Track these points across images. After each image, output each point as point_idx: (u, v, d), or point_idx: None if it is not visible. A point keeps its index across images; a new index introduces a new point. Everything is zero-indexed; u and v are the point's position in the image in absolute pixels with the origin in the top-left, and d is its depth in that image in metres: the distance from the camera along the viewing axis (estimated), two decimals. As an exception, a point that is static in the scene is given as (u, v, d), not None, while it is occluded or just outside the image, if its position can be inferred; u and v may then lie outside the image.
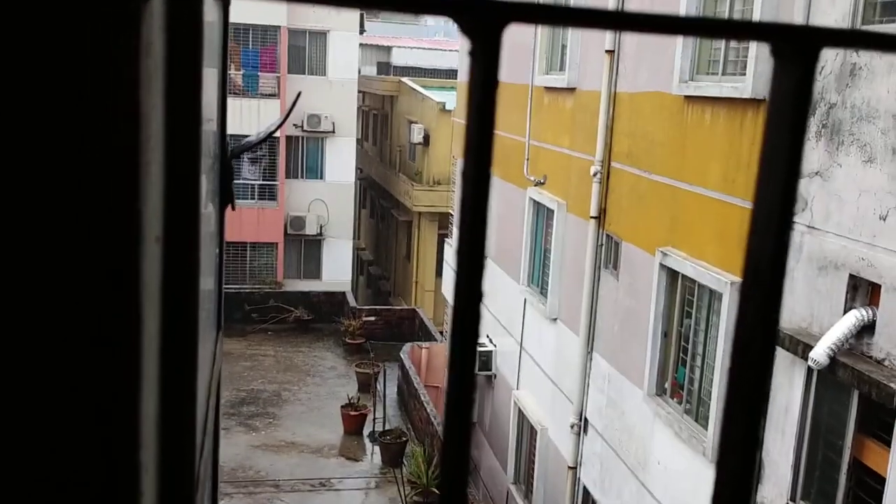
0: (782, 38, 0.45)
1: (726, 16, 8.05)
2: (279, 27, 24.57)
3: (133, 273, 0.56)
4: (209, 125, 1.54)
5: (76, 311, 0.55)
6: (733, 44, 8.00)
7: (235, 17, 23.70)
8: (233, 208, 1.88)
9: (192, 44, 0.85)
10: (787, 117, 0.44)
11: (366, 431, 17.04)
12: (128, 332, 0.57)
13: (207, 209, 1.52)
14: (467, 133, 0.40)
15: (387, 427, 16.58)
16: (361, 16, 26.38)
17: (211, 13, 1.55)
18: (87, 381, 0.56)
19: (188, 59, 0.85)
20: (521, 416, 13.04)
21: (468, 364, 0.42)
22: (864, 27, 6.20)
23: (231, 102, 26.49)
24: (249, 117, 23.54)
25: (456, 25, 0.40)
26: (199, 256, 0.98)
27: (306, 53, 25.53)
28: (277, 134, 24.10)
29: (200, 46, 0.91)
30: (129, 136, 0.54)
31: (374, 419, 16.85)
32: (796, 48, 0.45)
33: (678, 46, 8.55)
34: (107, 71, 0.52)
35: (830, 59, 6.37)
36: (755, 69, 7.27)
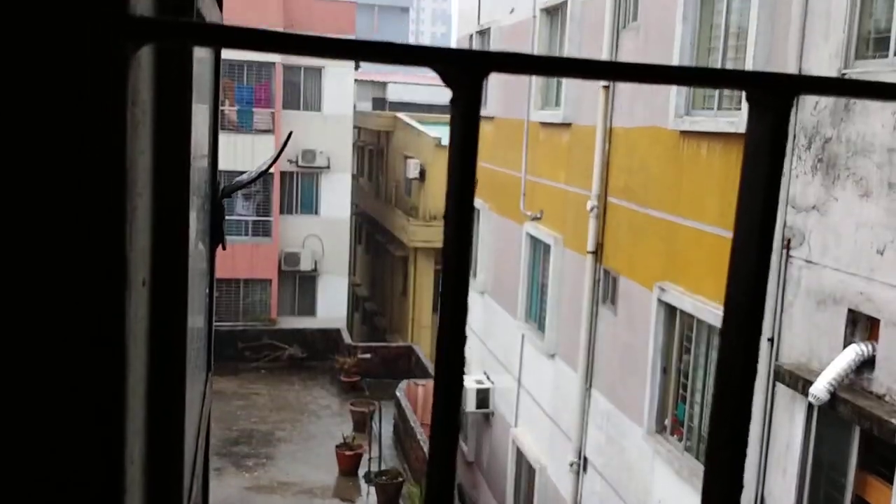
0: (756, 85, 0.46)
1: (721, 50, 8.09)
2: (274, 63, 24.74)
3: (117, 316, 0.56)
4: (201, 163, 1.52)
5: (60, 349, 0.56)
6: (727, 79, 8.03)
7: (230, 53, 23.87)
8: (223, 248, 1.85)
9: (180, 90, 0.88)
10: (763, 163, 0.46)
11: (361, 472, 16.81)
12: (111, 375, 0.57)
13: (198, 248, 1.49)
14: (449, 177, 0.42)
15: (383, 467, 16.35)
16: (357, 53, 26.56)
17: (202, 51, 1.53)
18: (71, 422, 0.56)
19: (177, 106, 0.88)
20: (520, 454, 12.87)
21: (453, 409, 0.43)
22: (858, 62, 6.22)
23: (225, 138, 26.39)
24: (244, 153, 23.58)
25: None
26: (187, 299, 0.98)
27: (301, 89, 25.68)
28: (272, 170, 24.13)
29: (189, 93, 0.94)
30: (115, 182, 0.55)
31: (369, 459, 16.63)
32: (770, 96, 0.46)
33: (673, 82, 8.58)
34: (93, 120, 0.53)
35: (825, 94, 6.37)
36: (750, 104, 7.28)
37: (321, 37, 0.41)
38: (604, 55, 10.08)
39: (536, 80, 12.48)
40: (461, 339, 0.43)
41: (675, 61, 8.55)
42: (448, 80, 0.41)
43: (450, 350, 0.42)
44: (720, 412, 0.47)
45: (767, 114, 0.46)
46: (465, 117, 0.40)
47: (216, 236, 1.84)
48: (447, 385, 0.42)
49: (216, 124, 1.91)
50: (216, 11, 1.62)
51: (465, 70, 0.41)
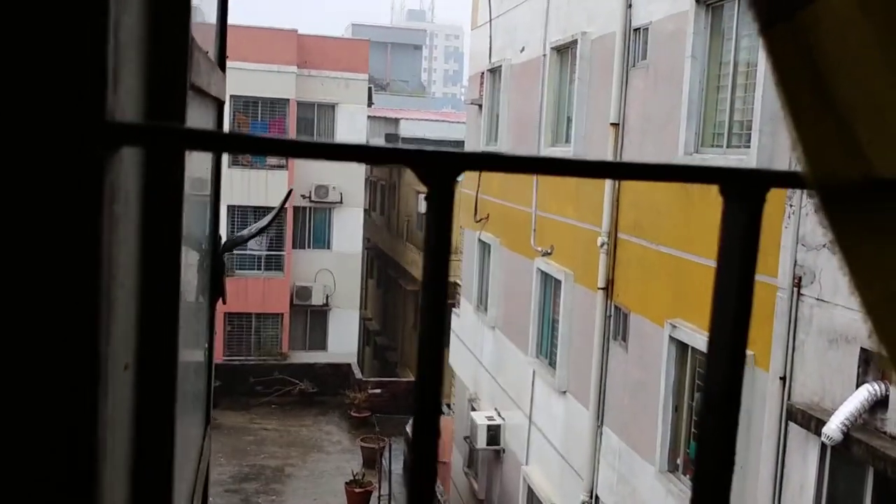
0: (729, 181, 0.48)
1: (730, 88, 8.14)
2: (288, 100, 25.03)
3: (89, 404, 0.55)
4: (200, 220, 1.54)
5: (33, 442, 0.54)
6: (737, 116, 8.08)
7: (245, 90, 24.19)
8: (224, 302, 1.87)
9: (171, 189, 0.89)
10: (737, 255, 0.47)
11: (371, 508, 16.68)
12: (84, 465, 0.55)
13: (198, 303, 1.50)
14: (424, 270, 0.43)
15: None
16: (370, 89, 26.88)
17: (207, 117, 1.56)
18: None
19: (167, 201, 0.87)
20: (531, 492, 12.75)
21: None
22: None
23: (240, 174, 26.40)
24: (258, 188, 23.80)
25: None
26: (174, 379, 0.96)
27: (315, 125, 25.94)
28: (285, 205, 24.31)
29: (181, 190, 0.93)
30: (87, 279, 0.53)
31: (379, 496, 16.50)
32: (743, 190, 0.47)
33: (682, 119, 8.64)
34: (67, 223, 0.52)
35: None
36: (759, 141, 7.31)
37: (299, 141, 0.43)
38: (613, 94, 10.16)
39: (547, 117, 12.58)
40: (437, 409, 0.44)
41: (684, 99, 8.61)
42: (423, 178, 0.42)
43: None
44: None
45: (741, 207, 0.47)
46: (439, 213, 0.42)
47: (216, 291, 1.85)
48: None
49: (218, 183, 1.93)
50: (216, 75, 1.63)
51: (438, 169, 0.42)
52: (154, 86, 0.78)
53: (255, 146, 0.44)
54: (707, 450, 0.47)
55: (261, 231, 2.71)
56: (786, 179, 0.50)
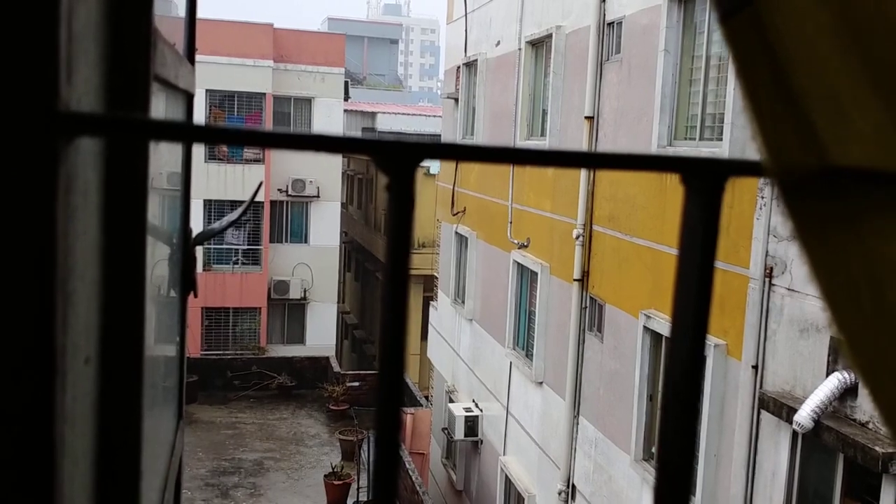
0: (689, 170, 0.47)
1: (702, 81, 8.23)
2: (264, 94, 24.89)
3: (45, 397, 0.54)
4: (170, 213, 1.53)
5: None
6: (710, 109, 8.17)
7: (221, 84, 24.00)
8: (195, 296, 1.87)
9: (133, 180, 0.85)
10: (698, 244, 0.47)
11: (350, 501, 16.69)
12: (40, 458, 0.54)
13: (169, 295, 1.50)
14: (386, 260, 0.44)
15: (371, 497, 16.24)
16: (346, 83, 26.79)
17: (174, 110, 1.55)
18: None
19: (130, 193, 0.84)
20: (509, 482, 12.83)
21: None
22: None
23: (216, 168, 26.13)
24: (234, 182, 23.66)
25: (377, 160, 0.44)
26: (141, 373, 0.94)
27: (291, 119, 25.81)
28: (261, 198, 24.22)
29: (144, 182, 0.90)
30: (41, 270, 0.52)
31: (358, 488, 16.53)
32: (704, 179, 0.47)
33: (656, 112, 8.72)
34: (17, 210, 0.51)
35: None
36: (732, 134, 7.41)
37: (257, 130, 0.43)
38: (588, 87, 10.23)
39: (522, 110, 12.63)
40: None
41: (657, 93, 8.69)
42: (383, 168, 0.43)
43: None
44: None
45: (702, 196, 0.47)
46: (398, 202, 0.42)
47: (187, 284, 1.83)
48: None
49: (189, 176, 1.92)
50: (184, 67, 1.59)
51: (397, 158, 0.43)
52: (115, 77, 0.77)
53: (213, 136, 0.44)
54: (668, 433, 0.47)
55: (232, 223, 2.69)
56: (745, 168, 0.50)
